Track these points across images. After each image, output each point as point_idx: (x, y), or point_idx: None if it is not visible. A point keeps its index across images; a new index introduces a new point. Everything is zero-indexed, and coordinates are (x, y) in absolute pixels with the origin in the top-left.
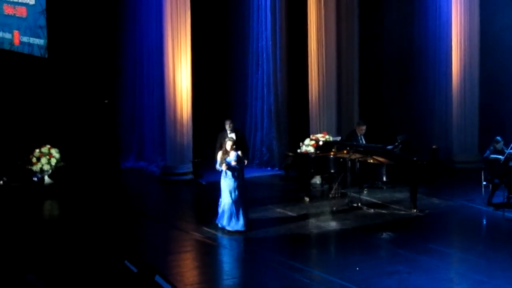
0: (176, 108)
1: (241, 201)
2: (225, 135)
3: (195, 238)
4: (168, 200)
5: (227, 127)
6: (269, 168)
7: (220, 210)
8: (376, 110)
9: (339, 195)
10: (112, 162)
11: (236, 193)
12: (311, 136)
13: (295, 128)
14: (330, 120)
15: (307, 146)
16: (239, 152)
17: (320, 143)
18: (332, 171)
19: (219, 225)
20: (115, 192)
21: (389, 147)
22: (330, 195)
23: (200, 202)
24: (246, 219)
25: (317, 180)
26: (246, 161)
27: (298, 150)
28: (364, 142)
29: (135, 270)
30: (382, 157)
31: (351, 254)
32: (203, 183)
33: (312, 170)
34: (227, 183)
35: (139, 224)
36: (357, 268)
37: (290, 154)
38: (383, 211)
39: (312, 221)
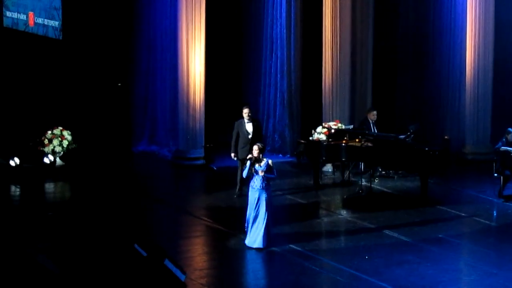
0: (189, 92)
1: (265, 215)
2: (242, 124)
3: (205, 223)
4: (179, 185)
5: (244, 115)
6: (280, 155)
7: (247, 222)
8: (389, 100)
9: (350, 183)
10: (124, 146)
11: (265, 205)
12: (323, 124)
13: (308, 115)
14: (343, 109)
15: (319, 134)
16: (270, 161)
17: (332, 131)
18: (343, 159)
19: (248, 244)
20: (126, 175)
21: (401, 136)
22: (341, 183)
23: (211, 187)
24: (267, 235)
25: (328, 168)
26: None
27: (310, 138)
28: (376, 130)
29: (144, 254)
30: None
31: (361, 243)
32: (215, 168)
33: (324, 158)
34: (255, 194)
35: (149, 208)
36: (366, 257)
37: (302, 141)
38: (394, 200)
39: (323, 209)
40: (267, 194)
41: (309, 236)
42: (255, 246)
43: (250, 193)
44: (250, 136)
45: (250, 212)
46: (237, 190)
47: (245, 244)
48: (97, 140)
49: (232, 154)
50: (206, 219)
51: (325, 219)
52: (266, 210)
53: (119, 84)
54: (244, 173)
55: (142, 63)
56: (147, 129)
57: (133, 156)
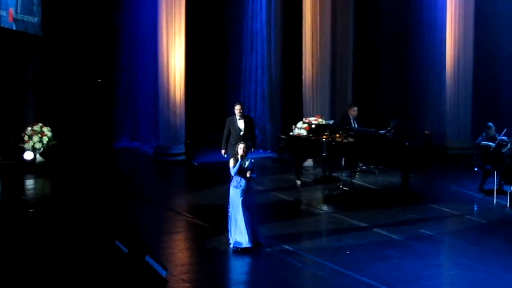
0: (169, 88)
1: (254, 215)
2: (234, 121)
3: (186, 219)
4: (160, 181)
5: (236, 111)
6: (261, 151)
7: (230, 225)
8: (370, 95)
9: (331, 178)
10: (105, 142)
11: (248, 205)
12: (304, 119)
13: (289, 111)
14: (324, 104)
15: (300, 129)
16: (253, 160)
17: (313, 126)
18: (324, 154)
19: (234, 244)
20: (107, 171)
21: (382, 131)
22: (322, 179)
23: (192, 183)
24: (256, 234)
25: (309, 163)
26: (253, 149)
27: (291, 133)
28: (357, 126)
29: (126, 250)
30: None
31: (343, 239)
32: (196, 164)
33: (305, 153)
34: (238, 194)
35: (131, 204)
36: (348, 252)
37: (283, 137)
38: (375, 195)
39: (304, 205)
40: (252, 194)
41: (291, 233)
42: (243, 246)
43: (233, 193)
44: (242, 133)
45: (233, 212)
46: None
47: (230, 245)
48: (78, 136)
49: (223, 151)
50: (187, 215)
51: (307, 215)
52: (253, 209)
53: (99, 80)
54: (234, 171)
55: (124, 59)
56: (128, 125)
57: (114, 152)
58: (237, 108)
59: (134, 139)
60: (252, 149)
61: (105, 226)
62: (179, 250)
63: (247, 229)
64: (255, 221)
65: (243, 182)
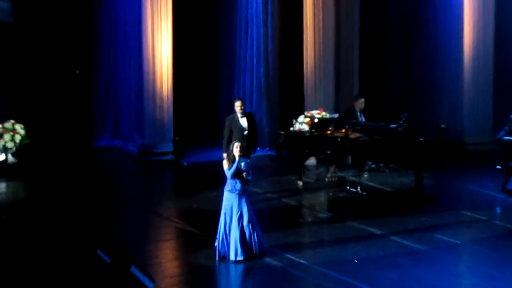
0: (155, 80)
1: (253, 221)
2: (236, 119)
3: (176, 225)
4: (146, 183)
5: (237, 109)
6: (258, 148)
7: (220, 233)
8: (379, 85)
9: (336, 179)
10: (84, 140)
11: (246, 211)
12: (305, 113)
13: (288, 104)
14: (327, 96)
15: (301, 124)
16: (248, 160)
17: (316, 120)
18: (328, 152)
19: (221, 254)
20: (87, 173)
21: (392, 126)
22: (326, 179)
23: (182, 185)
24: (249, 244)
25: (312, 162)
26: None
27: (291, 129)
28: (363, 119)
29: (108, 260)
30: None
31: (349, 245)
32: (185, 164)
33: (307, 151)
34: (233, 199)
35: (114, 209)
36: (355, 260)
37: (282, 132)
38: (385, 197)
39: (306, 209)
40: (248, 197)
41: (292, 240)
42: (232, 259)
43: (227, 197)
44: (246, 133)
45: (226, 221)
46: None
47: (229, 259)
48: (53, 134)
49: (224, 155)
50: (176, 220)
51: (309, 219)
52: (251, 214)
53: (77, 72)
54: (230, 173)
55: (104, 49)
56: (109, 122)
57: (94, 152)
58: (238, 104)
59: (116, 137)
60: (254, 150)
61: (85, 234)
62: (168, 260)
63: (240, 241)
64: (256, 227)
65: (238, 185)
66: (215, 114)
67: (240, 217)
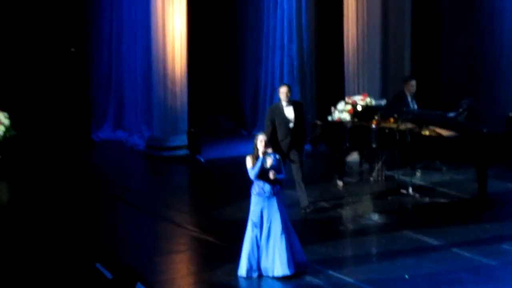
0: (166, 61)
1: (288, 230)
2: (280, 109)
3: (191, 234)
4: (155, 183)
5: (282, 96)
6: None
7: (247, 244)
8: (434, 67)
9: (383, 178)
10: (80, 132)
11: (279, 218)
12: (346, 99)
13: (326, 88)
14: (373, 79)
15: (341, 112)
16: (277, 156)
17: (359, 108)
18: (374, 146)
19: (247, 270)
20: (84, 172)
21: (450, 114)
22: (372, 179)
23: (198, 185)
24: (292, 257)
25: (354, 158)
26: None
27: (329, 118)
28: (416, 107)
29: (109, 275)
30: (442, 128)
31: (398, 259)
32: (202, 160)
33: (348, 145)
34: (262, 204)
35: (116, 215)
36: (407, 277)
37: (319, 123)
38: (441, 200)
39: (348, 213)
40: (281, 200)
41: (333, 253)
42: (279, 274)
43: (255, 202)
44: (291, 125)
45: (254, 230)
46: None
47: (258, 277)
48: (44, 125)
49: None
50: (192, 228)
51: (350, 226)
52: (285, 221)
53: (72, 50)
54: (253, 173)
55: (104, 24)
56: (111, 110)
57: (92, 146)
58: (283, 91)
59: (119, 128)
60: (302, 148)
61: (82, 245)
62: (181, 276)
63: (272, 255)
64: (293, 237)
65: (267, 187)
66: (238, 100)
67: (273, 226)
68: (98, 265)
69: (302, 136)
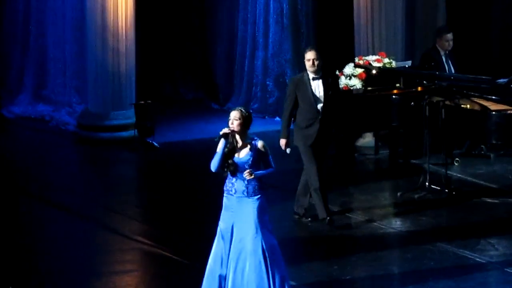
0: (106, 7)
1: (263, 255)
2: (304, 82)
3: (141, 247)
4: (92, 177)
5: (308, 65)
6: (278, 118)
7: (210, 265)
8: (480, 17)
9: (408, 168)
10: None
11: (257, 231)
12: (356, 60)
13: (328, 44)
14: (391, 33)
15: (350, 77)
16: (260, 144)
17: (374, 72)
18: (395, 124)
19: None
20: None
21: (500, 80)
22: (393, 168)
23: (149, 180)
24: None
25: (368, 140)
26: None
27: None
28: (453, 70)
29: None
30: (489, 100)
31: (430, 280)
32: (156, 145)
33: (359, 123)
34: (235, 208)
35: (37, 221)
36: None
37: None
38: (488, 200)
39: (359, 216)
40: (261, 205)
41: (339, 273)
42: None
43: (225, 205)
44: (320, 106)
45: (222, 244)
46: (297, 209)
47: None
48: None
49: (283, 141)
50: (142, 239)
51: (364, 232)
52: (267, 235)
53: None
54: (213, 163)
55: None
56: (29, 76)
57: (4, 124)
58: (309, 57)
59: (40, 100)
60: (332, 136)
61: None
62: None
63: (251, 283)
64: (277, 261)
65: (239, 184)
66: (206, 62)
67: (244, 242)
68: None
69: (332, 122)
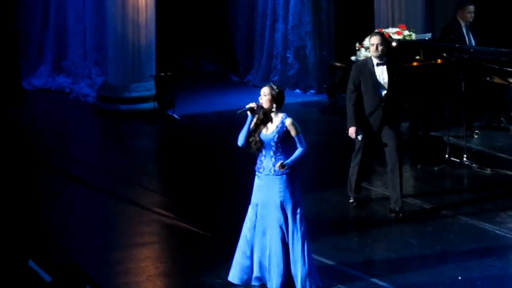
0: None
1: (299, 234)
2: (367, 68)
3: (161, 220)
4: (111, 149)
5: (372, 49)
6: (298, 91)
7: (243, 240)
8: None
9: (427, 142)
10: (7, 78)
11: (275, 218)
12: (376, 32)
13: (348, 17)
14: (412, 5)
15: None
16: (288, 121)
17: (394, 44)
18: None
19: (237, 279)
20: (13, 133)
21: None
22: (413, 141)
23: (170, 152)
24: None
25: None
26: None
27: (353, 58)
28: (474, 42)
29: (48, 278)
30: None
31: (450, 254)
32: (176, 117)
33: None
34: (265, 187)
35: (57, 193)
36: (459, 277)
37: (338, 65)
38: (509, 172)
39: (378, 188)
40: (293, 186)
41: (353, 245)
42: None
43: (256, 183)
44: (385, 93)
45: (249, 223)
46: (350, 190)
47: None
48: None
49: (351, 129)
50: (163, 212)
51: (385, 206)
52: (297, 221)
53: None
54: (239, 138)
55: None
56: (49, 48)
57: (23, 96)
58: (374, 41)
59: (60, 72)
60: (396, 125)
61: (10, 234)
62: (146, 279)
63: (276, 261)
64: (306, 246)
65: (267, 162)
66: (226, 34)
67: (269, 223)
68: (31, 263)
69: (398, 108)
